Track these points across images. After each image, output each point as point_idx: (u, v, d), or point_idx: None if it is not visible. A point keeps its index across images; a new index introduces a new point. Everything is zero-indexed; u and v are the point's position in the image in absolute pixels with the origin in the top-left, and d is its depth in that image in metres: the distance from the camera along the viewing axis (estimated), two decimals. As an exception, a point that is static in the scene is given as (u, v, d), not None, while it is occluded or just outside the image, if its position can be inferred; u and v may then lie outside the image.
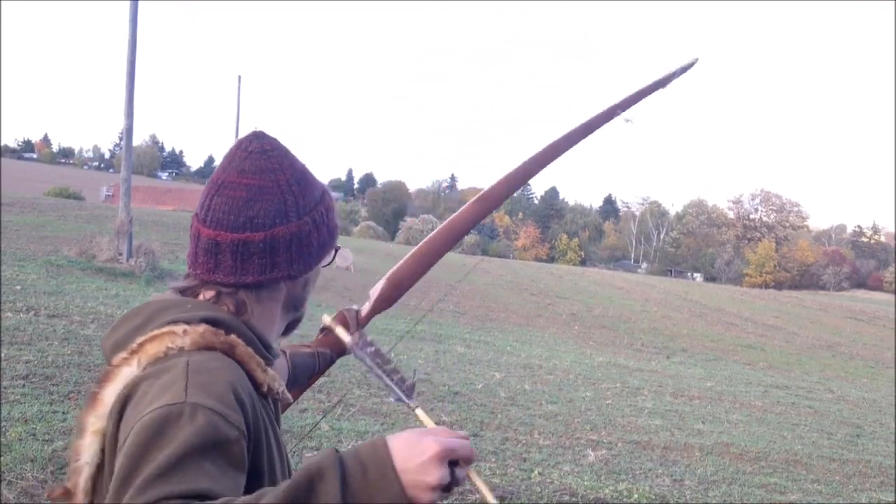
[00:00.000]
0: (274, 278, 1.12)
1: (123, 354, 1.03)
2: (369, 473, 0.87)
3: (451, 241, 1.65)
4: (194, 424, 0.89)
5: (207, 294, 1.13)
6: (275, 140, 1.18)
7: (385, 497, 0.87)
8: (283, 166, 1.15)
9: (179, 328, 1.04)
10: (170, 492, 0.83)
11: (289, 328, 1.25)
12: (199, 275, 1.12)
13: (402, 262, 1.63)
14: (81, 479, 1.01)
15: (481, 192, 1.69)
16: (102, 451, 1.00)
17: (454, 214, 1.68)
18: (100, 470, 1.01)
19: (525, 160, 1.70)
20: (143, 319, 1.08)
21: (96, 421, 1.00)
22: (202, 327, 1.05)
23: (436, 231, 1.66)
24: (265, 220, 1.10)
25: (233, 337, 1.06)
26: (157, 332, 1.04)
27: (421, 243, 1.65)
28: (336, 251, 1.26)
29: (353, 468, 0.87)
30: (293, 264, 1.13)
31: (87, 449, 1.00)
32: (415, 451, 0.90)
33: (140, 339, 1.04)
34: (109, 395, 1.00)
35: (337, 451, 0.89)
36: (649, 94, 1.81)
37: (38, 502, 3.66)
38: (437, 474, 0.91)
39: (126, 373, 1.01)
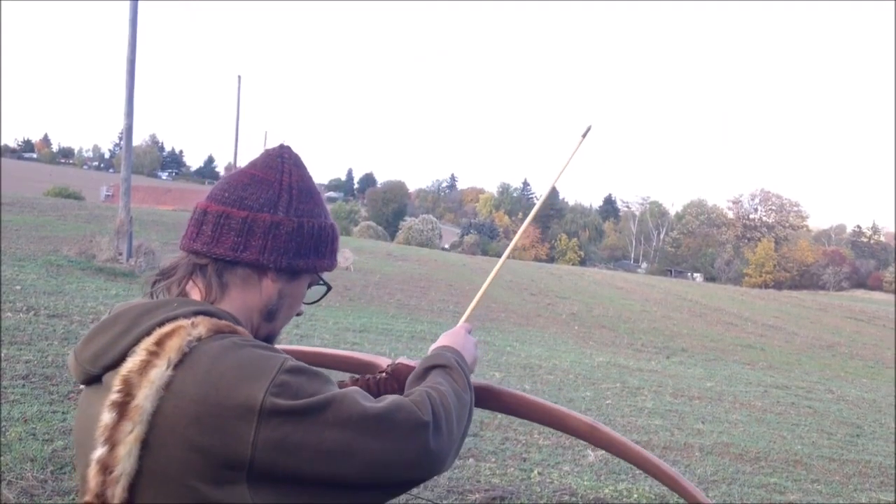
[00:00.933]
0: (243, 259, 1.13)
1: (141, 357, 1.01)
2: (462, 363, 1.32)
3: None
4: (297, 367, 1.03)
5: (180, 273, 1.15)
6: (296, 155, 1.23)
7: (468, 378, 1.31)
8: (290, 172, 1.19)
9: (186, 322, 1.04)
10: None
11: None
12: (183, 244, 1.16)
13: (503, 392, 1.53)
14: (117, 490, 0.98)
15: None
16: (140, 457, 0.98)
17: (558, 412, 1.51)
18: (138, 477, 0.99)
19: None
20: (125, 325, 1.07)
21: (134, 428, 0.97)
22: (202, 317, 1.06)
23: (536, 401, 1.54)
24: (253, 203, 1.14)
25: (230, 324, 1.09)
26: (168, 328, 1.04)
27: (516, 395, 1.53)
28: (327, 291, 1.29)
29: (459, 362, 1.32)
30: (264, 252, 1.13)
31: (124, 460, 0.97)
32: (463, 343, 1.43)
33: (154, 339, 1.02)
34: (145, 400, 0.98)
35: (438, 356, 1.32)
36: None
37: (38, 502, 3.66)
38: (474, 349, 1.46)
39: (156, 374, 0.99)
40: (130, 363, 1.01)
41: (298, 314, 1.26)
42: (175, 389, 0.98)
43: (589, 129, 1.68)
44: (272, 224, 1.14)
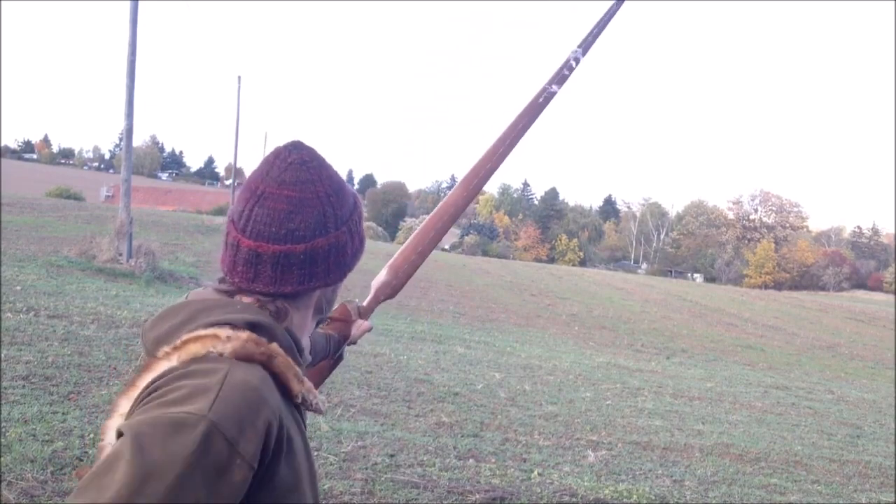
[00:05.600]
0: (312, 288, 1.15)
1: (166, 349, 1.05)
2: None
3: (442, 226, 1.73)
4: (205, 446, 0.91)
5: (247, 299, 1.14)
6: (313, 150, 1.20)
7: None
8: (321, 177, 1.16)
9: (224, 332, 1.04)
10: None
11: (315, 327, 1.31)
12: (237, 283, 1.14)
13: (399, 250, 1.72)
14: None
15: (465, 175, 1.77)
16: None
17: (442, 200, 1.76)
18: None
19: (499, 135, 1.79)
20: (185, 317, 1.09)
21: (126, 404, 1.03)
22: (245, 335, 1.05)
23: (428, 218, 1.74)
24: (306, 233, 1.12)
25: (274, 346, 1.07)
26: (201, 332, 1.05)
27: (415, 231, 1.74)
28: None
29: None
30: (330, 274, 1.16)
31: (112, 430, 1.02)
32: None
33: (184, 338, 1.05)
34: (144, 382, 1.03)
35: None
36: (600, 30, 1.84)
37: (37, 502, 3.66)
38: None
39: (164, 365, 1.03)
40: (161, 351, 1.06)
41: None
42: (167, 383, 1.00)
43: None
44: (330, 247, 1.14)
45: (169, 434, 0.90)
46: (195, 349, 1.03)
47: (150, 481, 0.86)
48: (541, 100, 1.81)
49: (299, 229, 1.12)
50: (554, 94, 1.82)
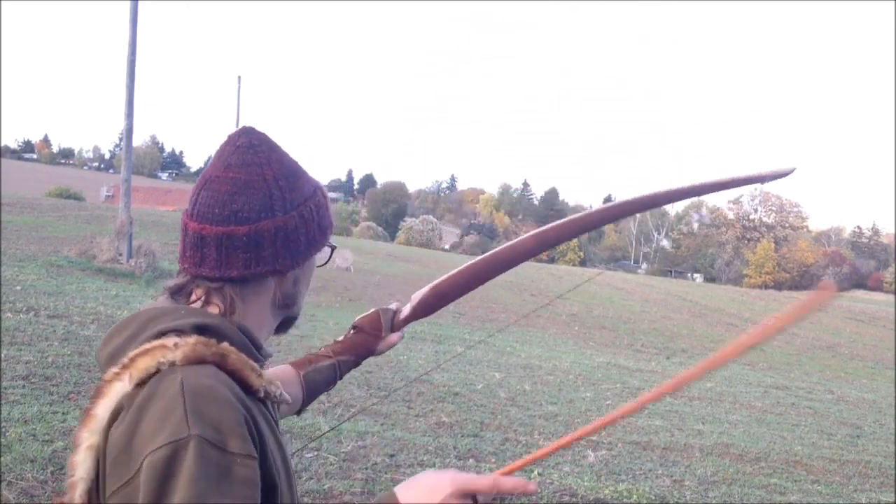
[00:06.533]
0: (258, 273, 1.11)
1: (115, 369, 1.02)
2: None
3: (499, 266, 1.57)
4: (202, 459, 0.91)
5: (198, 292, 1.12)
6: (263, 135, 1.16)
7: None
8: (270, 160, 1.13)
9: (170, 341, 1.02)
10: None
11: (282, 326, 1.23)
12: (186, 269, 1.12)
13: (451, 273, 1.57)
14: (77, 495, 1.00)
15: (546, 228, 1.58)
16: (97, 465, 1.00)
17: (515, 240, 1.59)
18: (95, 484, 1.01)
19: (600, 209, 1.58)
20: (134, 329, 1.07)
21: (90, 436, 1.00)
22: (193, 339, 1.03)
23: (493, 252, 1.59)
24: (249, 214, 1.09)
25: (225, 345, 1.05)
26: (147, 346, 1.03)
27: (475, 260, 1.59)
28: (332, 251, 1.25)
29: None
30: (278, 259, 1.11)
31: (82, 465, 1.00)
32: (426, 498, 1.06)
33: (131, 354, 1.02)
34: (102, 410, 1.00)
35: None
36: (736, 185, 1.51)
37: (37, 502, 3.66)
38: None
39: (118, 388, 1.00)
40: (109, 373, 1.02)
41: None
42: (128, 411, 0.98)
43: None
44: (276, 230, 1.10)
45: (168, 473, 0.91)
46: (145, 364, 1.00)
47: None
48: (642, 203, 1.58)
49: (242, 210, 1.09)
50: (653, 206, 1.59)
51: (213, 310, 1.11)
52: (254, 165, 1.12)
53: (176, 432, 0.92)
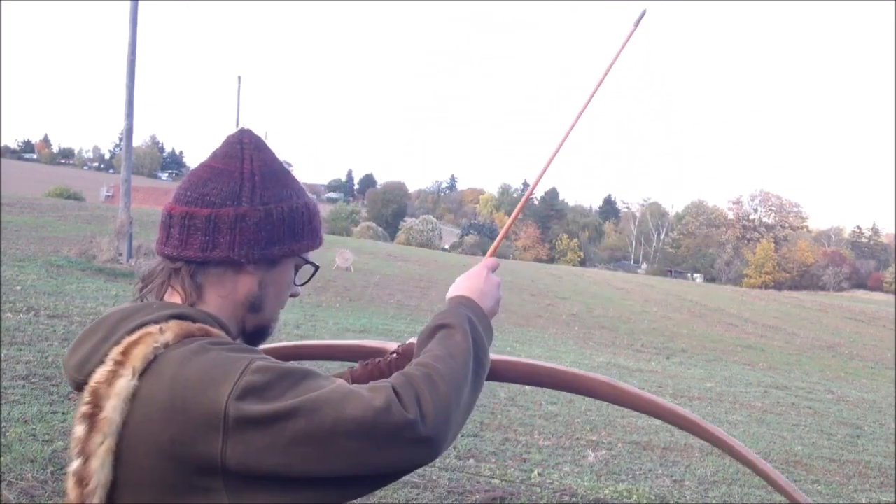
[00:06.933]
0: (214, 258, 1.11)
1: (108, 367, 1.00)
2: (475, 317, 1.23)
3: (544, 381, 1.59)
4: (275, 367, 1.00)
5: (162, 275, 1.14)
6: (258, 137, 1.19)
7: (487, 329, 1.26)
8: (252, 157, 1.16)
9: (154, 328, 1.03)
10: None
11: (254, 336, 1.20)
12: (158, 248, 1.15)
13: (508, 360, 1.54)
14: (95, 502, 0.98)
15: (612, 386, 1.51)
16: (115, 468, 0.98)
17: (573, 374, 1.56)
18: (114, 487, 0.99)
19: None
20: (106, 331, 1.06)
21: (105, 439, 0.97)
22: (174, 322, 1.04)
23: (553, 367, 1.57)
24: (215, 199, 1.11)
25: (204, 326, 1.07)
26: (136, 335, 1.02)
27: (530, 363, 1.57)
28: (315, 270, 1.24)
29: (472, 320, 1.22)
30: (234, 248, 1.11)
31: (99, 472, 0.97)
32: (482, 287, 1.31)
33: (121, 348, 1.02)
34: (111, 412, 0.98)
35: (447, 314, 1.22)
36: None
37: (37, 502, 3.66)
38: (496, 291, 1.34)
39: (122, 384, 0.99)
40: (98, 374, 1.01)
41: (294, 296, 1.23)
42: (142, 399, 0.97)
43: (643, 13, 1.52)
44: (237, 217, 1.10)
45: (259, 391, 0.97)
46: (142, 352, 1.00)
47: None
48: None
49: (210, 195, 1.12)
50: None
51: (175, 297, 1.12)
52: (235, 158, 1.15)
53: (233, 370, 0.97)
